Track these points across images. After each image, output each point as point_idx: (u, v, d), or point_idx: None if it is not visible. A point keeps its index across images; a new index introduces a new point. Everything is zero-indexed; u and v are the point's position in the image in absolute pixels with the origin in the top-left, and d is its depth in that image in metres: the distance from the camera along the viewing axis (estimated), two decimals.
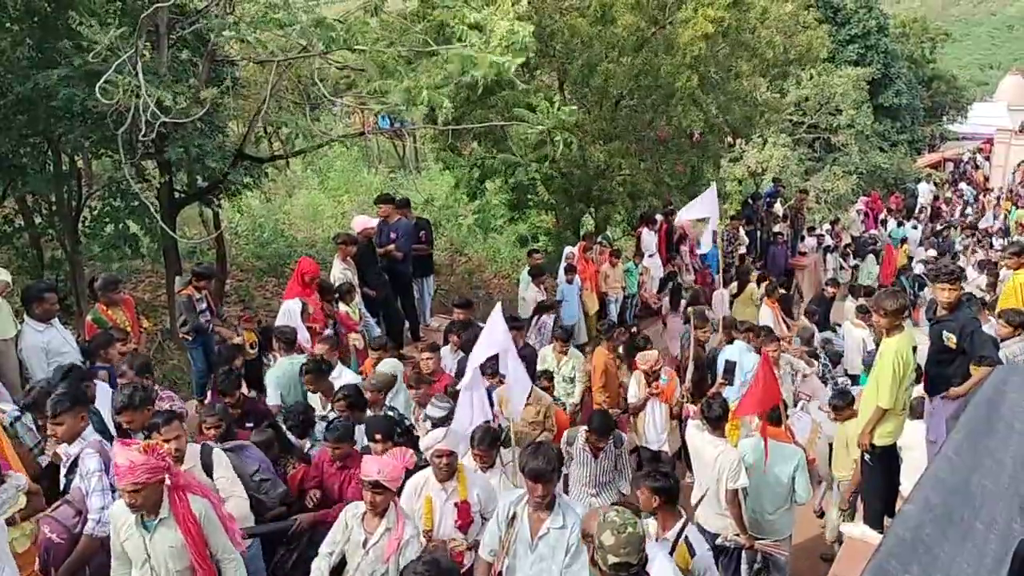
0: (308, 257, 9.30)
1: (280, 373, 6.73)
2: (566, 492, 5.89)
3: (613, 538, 3.09)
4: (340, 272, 8.48)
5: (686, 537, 4.24)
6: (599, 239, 11.67)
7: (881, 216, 20.87)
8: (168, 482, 3.88)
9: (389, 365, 6.89)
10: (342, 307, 8.21)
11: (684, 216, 11.65)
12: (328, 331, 7.85)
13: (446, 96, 7.00)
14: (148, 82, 6.15)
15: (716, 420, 5.67)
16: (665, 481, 4.31)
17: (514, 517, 4.10)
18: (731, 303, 11.62)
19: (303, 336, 7.49)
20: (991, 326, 7.81)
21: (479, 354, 5.52)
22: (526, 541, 4.05)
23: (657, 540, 4.26)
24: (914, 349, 5.37)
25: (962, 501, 2.26)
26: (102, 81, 5.68)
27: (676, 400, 7.31)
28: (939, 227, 20.96)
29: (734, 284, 12.08)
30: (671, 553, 4.11)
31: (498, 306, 5.75)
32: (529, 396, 6.31)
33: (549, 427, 6.51)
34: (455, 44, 7.17)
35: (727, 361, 7.76)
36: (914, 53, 28.89)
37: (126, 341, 6.56)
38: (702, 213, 10.83)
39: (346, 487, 5.15)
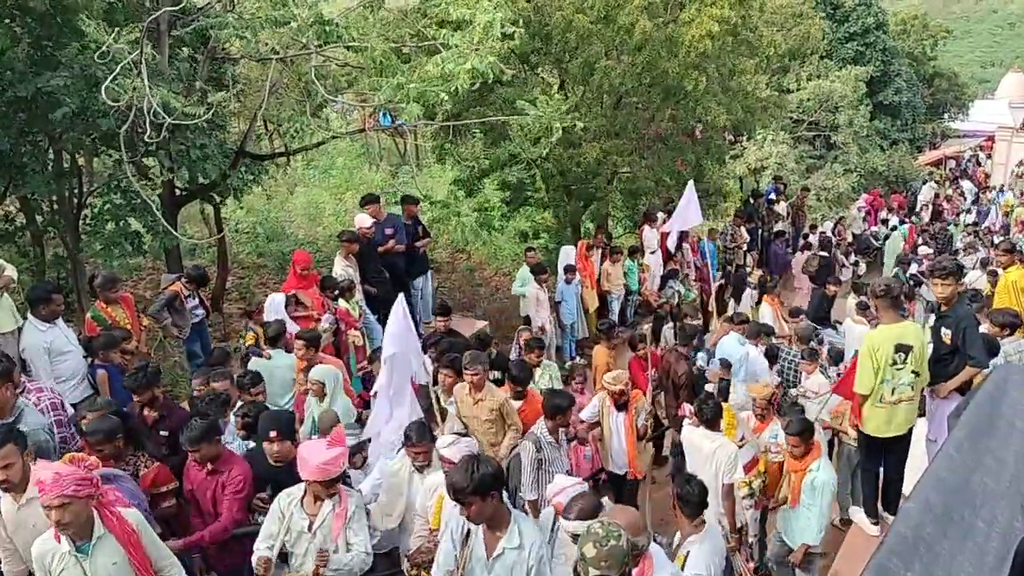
0: (301, 250, 9.30)
1: (260, 366, 6.85)
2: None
3: (595, 550, 3.09)
4: (342, 269, 8.50)
5: (688, 552, 4.23)
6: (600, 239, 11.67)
7: (883, 215, 20.85)
8: (93, 500, 3.66)
9: (320, 372, 6.36)
10: (342, 304, 8.22)
11: (677, 226, 11.37)
12: (325, 322, 7.89)
13: (443, 91, 6.92)
14: (152, 83, 6.15)
15: (710, 422, 5.69)
16: (684, 488, 4.30)
17: (468, 534, 3.85)
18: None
19: (292, 328, 7.54)
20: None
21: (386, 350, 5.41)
22: (482, 560, 3.79)
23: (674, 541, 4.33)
24: (906, 348, 5.37)
25: (963, 500, 2.26)
26: (107, 83, 5.67)
27: (644, 419, 6.90)
28: (935, 227, 20.92)
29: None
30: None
31: (400, 297, 5.61)
32: (482, 391, 5.99)
33: (511, 424, 6.05)
34: (437, 43, 7.10)
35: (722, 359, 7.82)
36: (915, 50, 28.80)
37: (128, 340, 6.58)
38: (682, 212, 10.72)
39: (220, 496, 4.65)
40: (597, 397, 6.88)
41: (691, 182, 10.96)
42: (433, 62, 6.79)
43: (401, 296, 5.75)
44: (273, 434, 4.81)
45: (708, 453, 5.53)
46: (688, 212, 10.56)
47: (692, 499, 4.30)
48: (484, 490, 3.60)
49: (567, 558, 4.03)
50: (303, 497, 4.19)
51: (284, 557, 4.26)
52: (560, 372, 7.84)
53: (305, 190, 17.37)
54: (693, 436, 5.80)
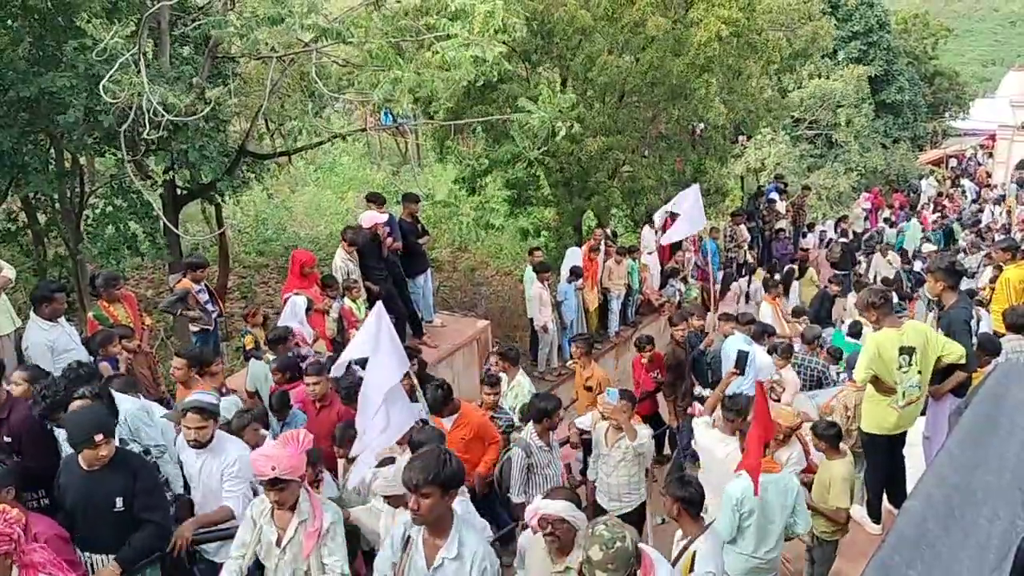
0: (302, 249, 9.29)
1: (255, 370, 6.96)
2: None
3: (601, 553, 3.07)
4: (342, 262, 8.47)
5: (695, 551, 4.14)
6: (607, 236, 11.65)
7: (885, 214, 20.85)
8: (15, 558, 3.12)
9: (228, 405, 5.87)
10: (347, 302, 8.23)
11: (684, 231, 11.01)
12: (335, 312, 7.95)
13: (441, 81, 6.89)
14: (151, 81, 6.16)
15: (738, 413, 5.44)
16: (687, 490, 4.27)
17: (409, 541, 3.53)
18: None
19: (308, 332, 7.53)
20: (988, 322, 7.83)
21: (353, 352, 5.24)
22: (421, 571, 3.44)
23: (677, 542, 4.26)
24: (909, 350, 5.36)
25: (965, 497, 2.26)
26: (105, 81, 5.68)
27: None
28: (940, 222, 21.02)
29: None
30: (675, 563, 4.07)
31: (379, 305, 5.48)
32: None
33: None
34: (437, 33, 7.09)
35: (740, 351, 7.57)
36: (916, 49, 28.81)
37: (130, 338, 6.58)
38: (686, 217, 10.59)
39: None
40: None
41: (695, 184, 10.86)
42: (433, 50, 6.80)
43: (380, 304, 5.69)
44: (100, 437, 3.88)
45: (721, 457, 5.36)
46: (694, 215, 10.50)
47: (696, 499, 4.27)
48: (447, 486, 3.30)
49: None
50: (274, 508, 3.82)
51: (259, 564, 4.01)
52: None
53: (308, 189, 17.41)
54: (705, 438, 5.62)
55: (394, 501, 4.20)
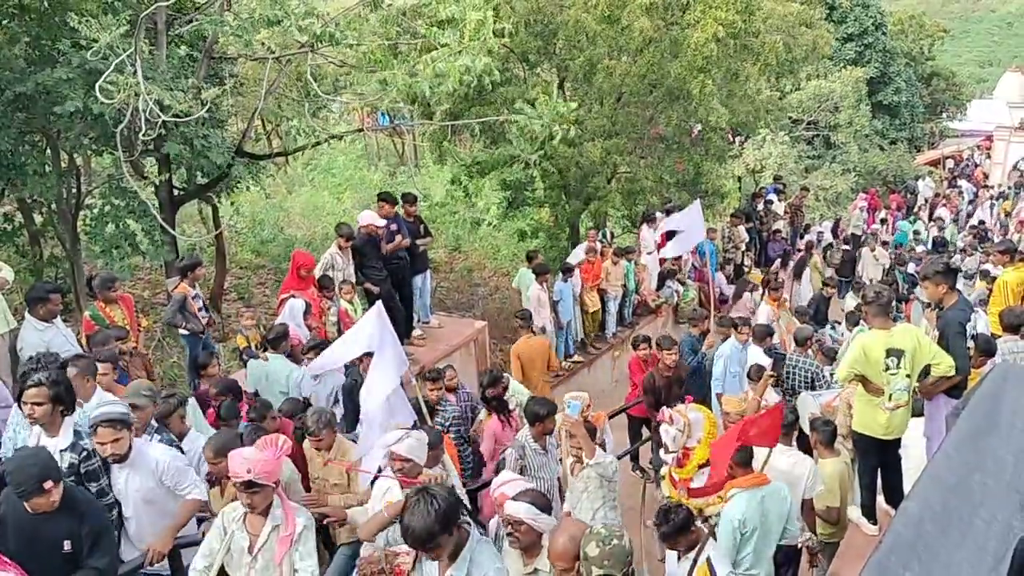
0: (302, 250, 9.29)
1: (254, 371, 7.02)
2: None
3: (598, 550, 3.08)
4: (328, 255, 8.47)
5: (708, 558, 4.05)
6: (599, 238, 11.65)
7: (881, 215, 20.85)
8: None
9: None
10: (343, 304, 8.22)
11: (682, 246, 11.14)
12: (333, 315, 7.93)
13: (430, 86, 6.88)
14: (148, 80, 6.13)
15: (788, 427, 5.36)
16: (668, 524, 4.12)
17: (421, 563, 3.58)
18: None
19: (304, 334, 7.51)
20: (985, 323, 7.83)
21: (348, 353, 5.31)
22: None
23: (679, 560, 4.21)
24: (897, 352, 5.33)
25: (962, 499, 2.26)
26: (101, 81, 5.65)
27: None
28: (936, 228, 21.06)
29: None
30: (691, 573, 4.04)
31: (378, 304, 5.53)
32: (330, 451, 5.24)
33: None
34: (429, 40, 7.09)
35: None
36: (913, 50, 28.87)
37: (126, 339, 6.56)
38: (687, 232, 10.62)
39: None
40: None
41: (697, 201, 10.87)
42: (423, 61, 6.79)
43: (379, 303, 5.69)
44: (49, 484, 3.66)
45: (787, 469, 5.21)
46: (693, 230, 10.52)
47: (687, 523, 4.21)
48: (450, 525, 3.19)
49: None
50: (247, 514, 3.81)
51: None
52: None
53: (304, 190, 17.38)
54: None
55: (411, 469, 4.19)
